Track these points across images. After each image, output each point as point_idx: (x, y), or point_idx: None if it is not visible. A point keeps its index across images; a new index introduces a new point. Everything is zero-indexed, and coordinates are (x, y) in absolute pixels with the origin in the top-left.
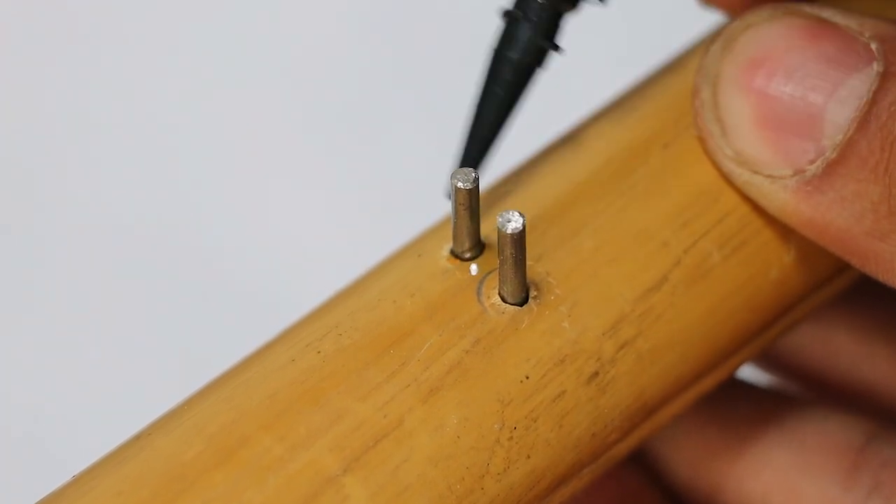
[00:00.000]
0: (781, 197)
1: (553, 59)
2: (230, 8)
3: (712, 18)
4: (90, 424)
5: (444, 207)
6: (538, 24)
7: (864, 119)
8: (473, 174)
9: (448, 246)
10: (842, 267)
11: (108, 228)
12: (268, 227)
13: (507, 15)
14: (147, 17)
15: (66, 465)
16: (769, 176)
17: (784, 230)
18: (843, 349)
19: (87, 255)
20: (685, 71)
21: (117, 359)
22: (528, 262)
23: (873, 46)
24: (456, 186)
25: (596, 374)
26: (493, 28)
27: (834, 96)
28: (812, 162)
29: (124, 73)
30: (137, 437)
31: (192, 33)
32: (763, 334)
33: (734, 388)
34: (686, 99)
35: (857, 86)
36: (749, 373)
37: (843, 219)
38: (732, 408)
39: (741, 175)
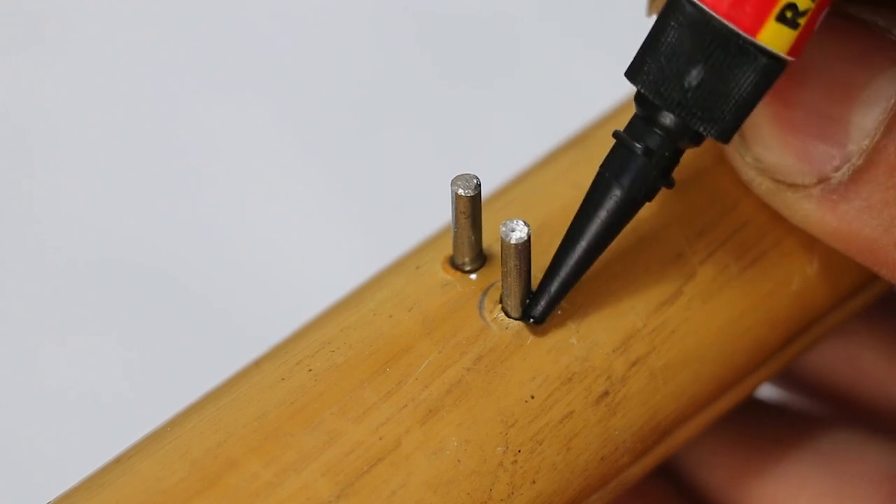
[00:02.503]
0: (805, 207)
1: (560, 62)
2: (215, 13)
3: None
4: (69, 445)
5: (444, 216)
6: (658, 162)
7: (893, 122)
8: (475, 180)
9: (448, 257)
10: (868, 278)
11: (91, 235)
12: (257, 236)
13: (622, 140)
14: (126, 14)
15: (43, 489)
16: (792, 185)
17: (806, 240)
18: (871, 369)
19: (69, 265)
20: None
21: (99, 375)
22: (534, 274)
23: None
24: (457, 193)
25: (606, 393)
26: (492, 29)
27: (860, 98)
28: (837, 169)
29: (102, 72)
30: (118, 461)
31: (177, 35)
32: (784, 351)
33: (766, 410)
34: None
35: (885, 87)
36: (779, 394)
37: (870, 229)
38: (765, 429)
39: (761, 183)
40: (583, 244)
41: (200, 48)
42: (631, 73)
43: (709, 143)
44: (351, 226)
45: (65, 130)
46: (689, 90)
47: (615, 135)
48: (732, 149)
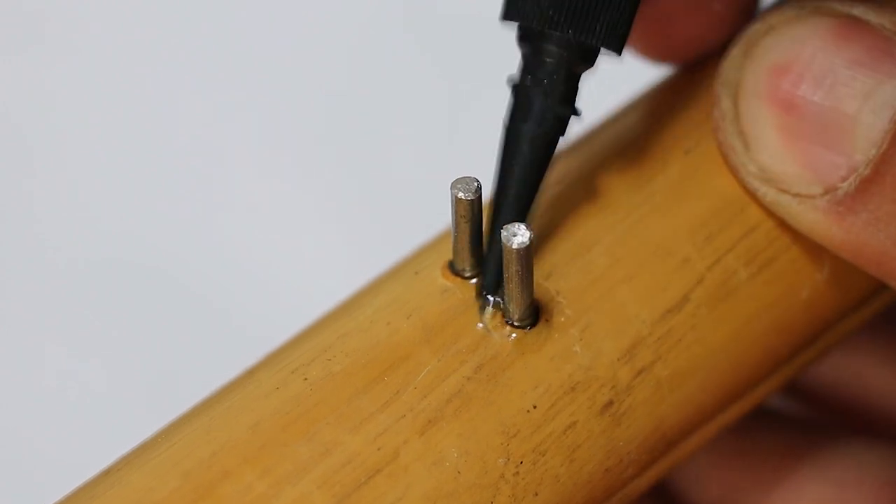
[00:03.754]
0: (811, 217)
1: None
2: (217, 14)
3: None
4: (57, 456)
5: (444, 220)
6: (554, 90)
7: None
8: (476, 183)
9: (448, 262)
10: (881, 284)
11: (91, 236)
12: (254, 240)
13: (513, 81)
14: (126, 14)
15: (37, 492)
16: (797, 195)
17: (816, 245)
18: (876, 381)
19: (67, 266)
20: (707, 71)
21: (87, 382)
22: (536, 280)
23: None
24: (457, 197)
25: (610, 403)
26: (493, 30)
27: (867, 105)
28: (844, 179)
29: (102, 72)
30: (107, 472)
31: (178, 36)
32: (793, 360)
33: (762, 419)
34: (709, 100)
35: (893, 93)
36: (778, 403)
37: (878, 241)
38: (761, 440)
39: (766, 193)
40: (509, 201)
41: (202, 49)
42: (502, 15)
43: (712, 143)
44: (348, 230)
45: (65, 130)
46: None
47: (508, 80)
48: (736, 158)
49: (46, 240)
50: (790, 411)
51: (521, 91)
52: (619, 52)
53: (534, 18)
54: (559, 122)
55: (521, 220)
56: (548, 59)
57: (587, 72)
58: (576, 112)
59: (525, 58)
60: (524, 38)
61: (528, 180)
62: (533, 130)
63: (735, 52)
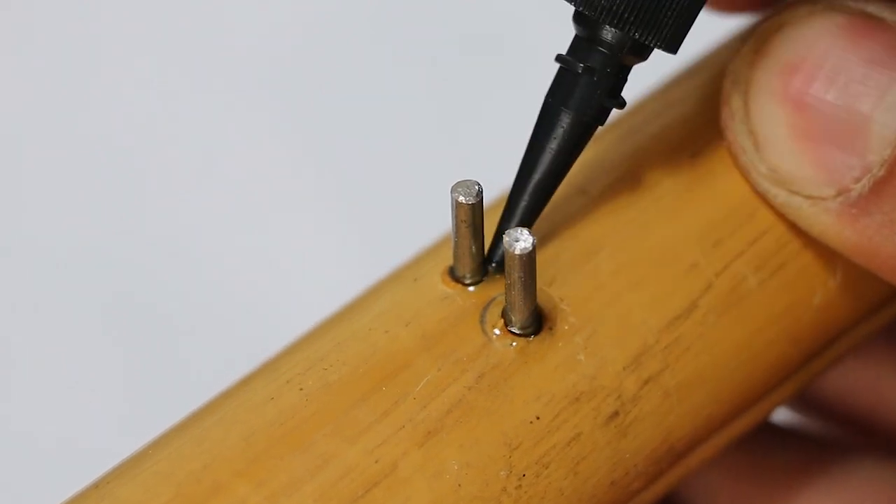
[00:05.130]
0: (823, 220)
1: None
2: (205, 22)
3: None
4: (45, 467)
5: (444, 225)
6: (603, 81)
7: None
8: (477, 187)
9: (448, 268)
10: (895, 291)
11: (80, 244)
12: (249, 245)
13: (564, 62)
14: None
15: None
16: (809, 197)
17: (828, 250)
18: (891, 389)
19: (50, 273)
20: (714, 72)
21: (76, 389)
22: (539, 287)
23: None
24: (457, 201)
25: (616, 413)
26: (495, 31)
27: (881, 104)
28: (857, 180)
29: (81, 81)
30: (96, 485)
31: (164, 42)
32: (805, 368)
33: (773, 435)
34: (716, 102)
35: None
36: (789, 417)
37: (892, 245)
38: (773, 456)
39: (777, 195)
40: (536, 177)
41: (192, 51)
42: None
43: (720, 146)
44: (345, 234)
45: (55, 135)
46: None
47: (557, 58)
48: (746, 158)
49: (38, 254)
50: (802, 424)
51: (569, 73)
52: (674, 52)
53: (602, 11)
54: (603, 113)
55: (544, 203)
56: (602, 49)
57: (637, 64)
58: (621, 104)
59: (577, 39)
60: (581, 21)
61: (561, 163)
62: (576, 117)
63: (746, 50)
